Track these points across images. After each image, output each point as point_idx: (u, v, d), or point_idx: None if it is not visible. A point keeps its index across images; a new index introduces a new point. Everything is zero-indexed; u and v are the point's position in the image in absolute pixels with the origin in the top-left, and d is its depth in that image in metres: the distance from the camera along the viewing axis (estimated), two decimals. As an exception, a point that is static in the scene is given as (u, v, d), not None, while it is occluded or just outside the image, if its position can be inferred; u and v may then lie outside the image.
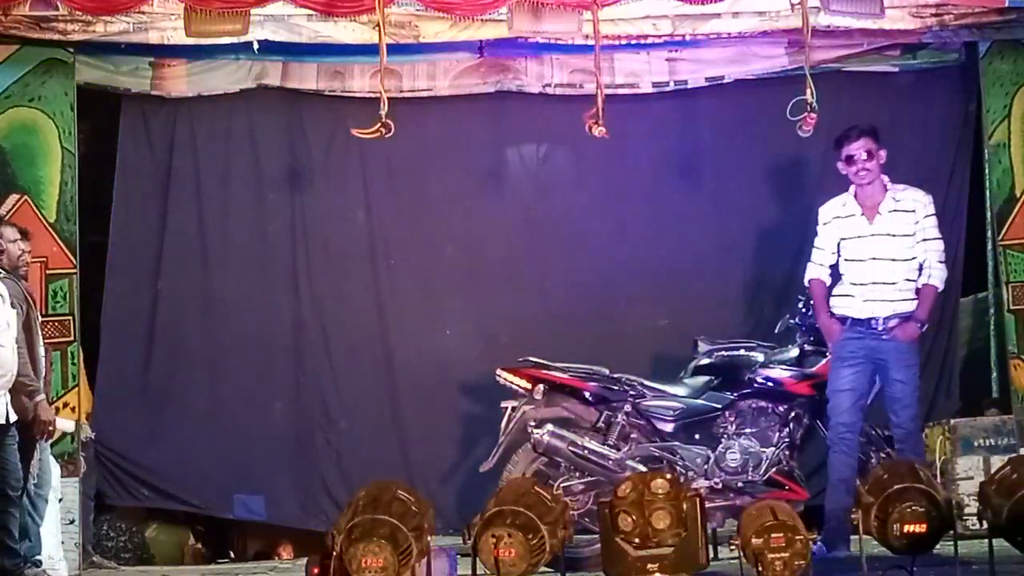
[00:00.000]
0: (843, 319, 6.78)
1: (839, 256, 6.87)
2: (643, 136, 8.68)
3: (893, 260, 6.72)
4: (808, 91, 6.47)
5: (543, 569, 5.53)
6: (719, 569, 6.49)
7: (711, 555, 6.90)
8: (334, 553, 5.18)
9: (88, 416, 8.15)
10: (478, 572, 5.27)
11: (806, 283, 6.98)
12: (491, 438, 7.04)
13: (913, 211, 6.78)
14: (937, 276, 6.82)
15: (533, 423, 6.80)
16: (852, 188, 6.84)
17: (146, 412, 8.58)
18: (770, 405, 6.90)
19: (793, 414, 6.92)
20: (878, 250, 6.75)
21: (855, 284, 6.78)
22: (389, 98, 6.66)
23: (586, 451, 6.75)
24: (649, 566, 5.36)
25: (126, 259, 8.66)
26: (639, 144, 8.67)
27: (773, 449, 6.81)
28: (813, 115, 6.49)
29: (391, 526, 5.17)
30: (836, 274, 6.94)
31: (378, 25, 6.61)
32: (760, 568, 5.18)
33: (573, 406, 6.92)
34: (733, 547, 5.40)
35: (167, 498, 8.65)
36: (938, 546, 5.49)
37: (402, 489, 5.56)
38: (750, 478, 6.80)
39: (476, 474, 7.24)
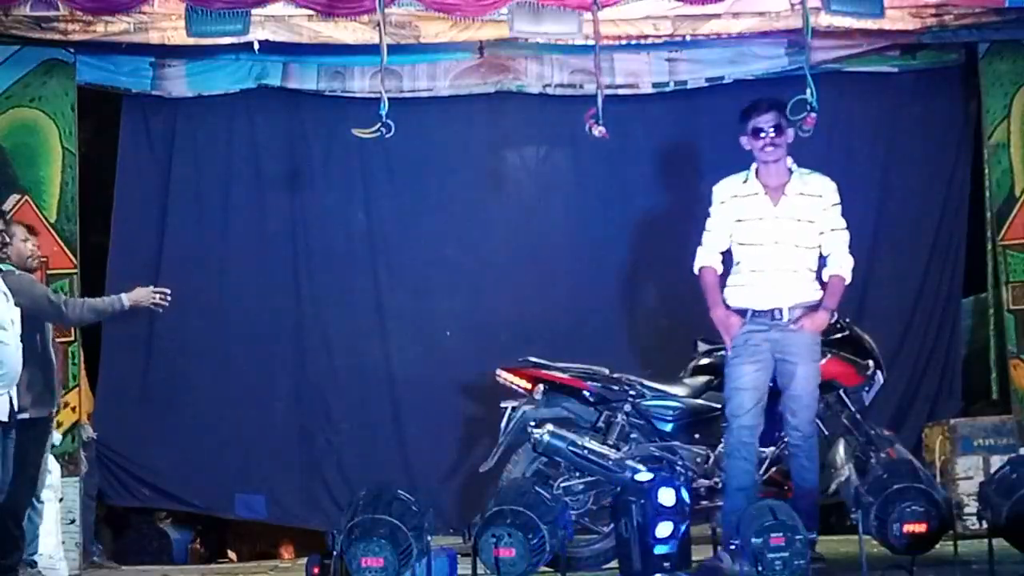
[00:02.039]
0: (743, 311, 6.33)
1: (732, 240, 6.43)
2: (643, 136, 8.68)
3: (796, 247, 6.28)
4: (808, 90, 6.45)
5: (543, 569, 5.54)
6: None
7: (711, 555, 6.95)
8: (334, 553, 5.19)
9: (90, 416, 8.18)
10: (478, 572, 5.28)
11: (695, 271, 6.52)
12: (491, 438, 7.03)
13: (820, 196, 6.33)
14: (846, 267, 6.36)
15: (533, 423, 6.79)
16: (754, 166, 6.38)
17: (147, 412, 8.59)
18: (770, 405, 6.88)
19: (793, 414, 6.89)
20: (782, 235, 6.28)
21: (755, 271, 6.32)
22: (389, 98, 6.67)
23: (586, 451, 6.73)
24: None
25: (127, 259, 8.65)
26: (639, 144, 8.68)
27: (773, 448, 6.79)
28: (813, 115, 6.45)
29: (391, 526, 5.18)
30: (727, 261, 6.52)
31: (378, 25, 6.62)
32: (760, 568, 5.19)
33: (573, 406, 6.91)
34: (733, 546, 5.42)
35: (168, 499, 8.67)
36: (938, 546, 5.51)
37: (402, 489, 5.57)
38: (750, 478, 6.78)
39: (476, 474, 7.25)
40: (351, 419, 8.71)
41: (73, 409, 7.62)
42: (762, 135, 6.27)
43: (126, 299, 6.54)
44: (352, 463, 8.57)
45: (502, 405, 6.92)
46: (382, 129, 6.51)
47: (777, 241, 6.29)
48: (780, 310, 6.27)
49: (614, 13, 7.22)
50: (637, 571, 5.45)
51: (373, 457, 8.57)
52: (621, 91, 8.43)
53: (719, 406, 6.87)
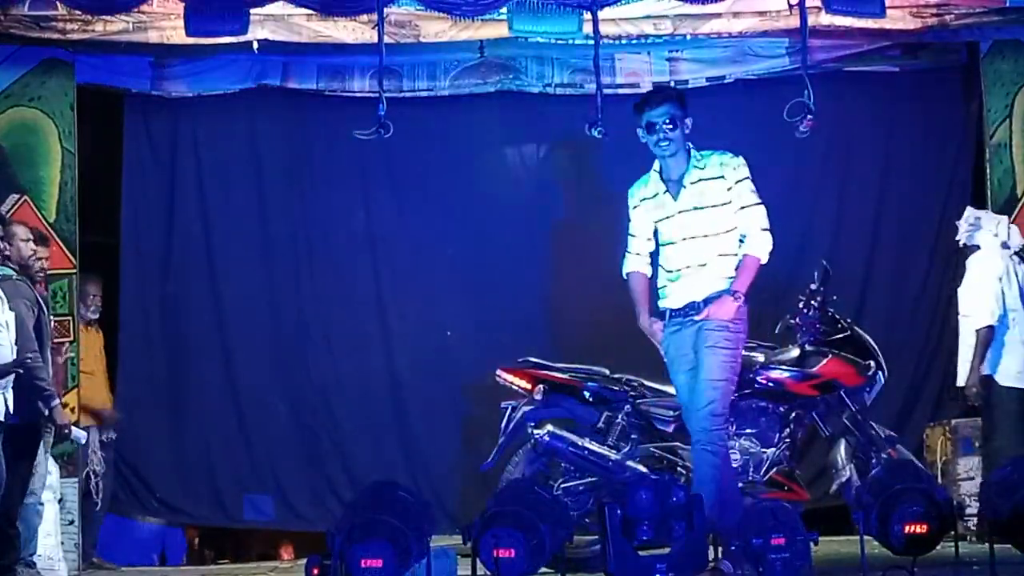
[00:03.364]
0: (663, 314, 6.13)
1: (657, 243, 6.21)
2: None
3: (706, 236, 5.98)
4: (806, 92, 6.42)
5: (543, 569, 5.53)
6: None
7: (712, 555, 6.95)
8: (334, 553, 5.18)
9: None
10: (478, 572, 5.27)
11: (624, 277, 6.32)
12: (491, 438, 7.03)
13: (722, 177, 6.00)
14: (758, 245, 5.98)
15: (533, 423, 6.79)
16: (657, 163, 6.18)
17: (153, 415, 8.61)
18: (770, 405, 6.87)
19: (794, 414, 6.89)
20: (689, 228, 6.00)
21: (671, 271, 6.09)
22: (389, 98, 6.66)
23: (586, 451, 6.73)
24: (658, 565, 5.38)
25: (136, 262, 8.68)
26: (639, 143, 8.65)
27: (774, 449, 6.79)
28: (810, 117, 6.40)
29: (391, 526, 5.17)
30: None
31: (378, 25, 6.62)
32: (760, 568, 5.18)
33: (573, 406, 6.91)
34: (735, 547, 5.41)
35: (175, 512, 8.68)
36: (939, 547, 5.50)
37: (403, 489, 5.56)
38: (751, 479, 6.77)
39: (476, 474, 7.24)
40: (353, 419, 8.71)
41: (72, 410, 7.59)
42: (656, 129, 6.05)
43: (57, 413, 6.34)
44: (356, 463, 8.58)
45: (502, 405, 6.93)
46: (380, 130, 6.51)
47: (686, 236, 6.05)
48: (695, 304, 6.02)
49: (614, 12, 7.22)
50: (611, 573, 5.44)
51: (376, 457, 8.59)
52: (622, 90, 8.41)
53: (719, 406, 6.85)
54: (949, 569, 5.54)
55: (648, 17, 7.45)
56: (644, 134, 6.12)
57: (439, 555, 5.76)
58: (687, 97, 6.19)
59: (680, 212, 6.06)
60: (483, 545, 5.23)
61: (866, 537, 5.49)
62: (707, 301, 5.97)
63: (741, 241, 6.10)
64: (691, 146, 6.14)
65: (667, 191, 6.11)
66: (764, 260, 6.05)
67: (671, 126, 6.03)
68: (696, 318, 5.98)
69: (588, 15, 6.92)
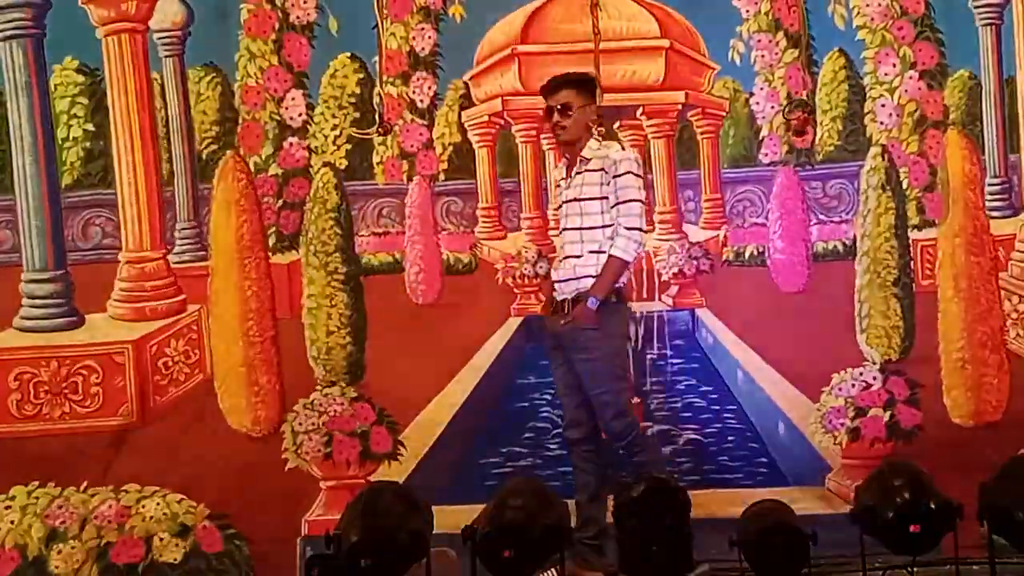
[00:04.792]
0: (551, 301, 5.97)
1: None
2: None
3: (579, 229, 5.82)
4: (805, 93, 6.40)
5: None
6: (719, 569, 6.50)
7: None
8: (334, 553, 5.18)
9: None
10: (478, 572, 5.27)
11: None
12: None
13: (602, 171, 5.78)
14: (620, 245, 5.74)
15: (533, 422, 6.79)
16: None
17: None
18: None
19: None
20: (568, 219, 5.88)
21: (556, 260, 6.02)
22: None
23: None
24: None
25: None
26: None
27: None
28: (808, 116, 6.37)
29: (391, 526, 5.17)
30: None
31: (377, 25, 6.63)
32: (760, 567, 5.18)
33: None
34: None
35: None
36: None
37: (402, 489, 5.56)
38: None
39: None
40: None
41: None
42: (551, 114, 5.86)
43: None
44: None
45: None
46: (380, 129, 6.52)
47: (566, 226, 5.90)
48: (565, 301, 5.87)
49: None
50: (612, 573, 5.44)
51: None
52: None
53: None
54: (949, 569, 5.53)
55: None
56: (545, 118, 5.95)
57: (439, 555, 5.76)
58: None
59: (565, 201, 5.90)
60: (483, 545, 5.23)
61: (866, 537, 5.49)
62: (575, 300, 5.80)
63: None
64: (596, 136, 5.93)
65: (564, 177, 5.95)
66: (629, 260, 5.82)
67: (567, 112, 5.81)
68: (561, 322, 5.82)
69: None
